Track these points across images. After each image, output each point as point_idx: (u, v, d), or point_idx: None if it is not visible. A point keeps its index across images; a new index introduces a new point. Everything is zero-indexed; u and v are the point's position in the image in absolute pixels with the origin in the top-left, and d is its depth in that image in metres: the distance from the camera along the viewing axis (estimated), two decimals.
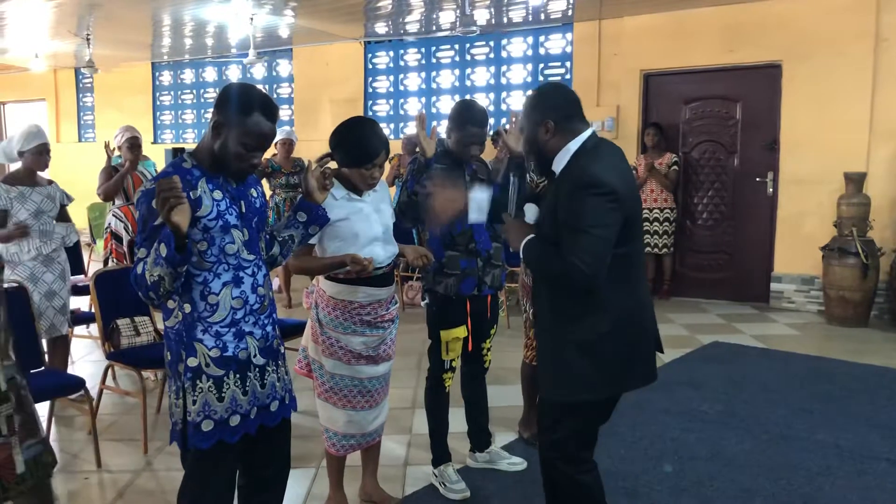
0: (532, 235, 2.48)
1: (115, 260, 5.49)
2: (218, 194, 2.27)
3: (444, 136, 3.43)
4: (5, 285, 2.75)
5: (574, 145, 2.42)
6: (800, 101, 7.06)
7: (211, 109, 2.33)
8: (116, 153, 5.75)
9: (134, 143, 5.56)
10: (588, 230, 2.26)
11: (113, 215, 5.58)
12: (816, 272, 6.93)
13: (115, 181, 5.44)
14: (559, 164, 2.44)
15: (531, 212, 2.60)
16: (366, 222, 2.96)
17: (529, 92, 2.62)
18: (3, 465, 2.37)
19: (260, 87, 10.26)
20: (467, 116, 3.26)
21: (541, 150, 2.48)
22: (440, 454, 3.50)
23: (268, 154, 7.25)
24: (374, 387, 3.08)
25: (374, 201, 3.04)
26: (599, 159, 2.36)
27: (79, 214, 6.69)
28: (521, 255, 2.51)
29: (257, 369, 2.35)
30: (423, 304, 3.48)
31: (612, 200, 2.27)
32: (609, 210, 2.27)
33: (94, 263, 7.24)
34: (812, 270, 7.01)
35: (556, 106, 2.45)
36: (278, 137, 7.37)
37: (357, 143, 2.87)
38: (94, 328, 5.64)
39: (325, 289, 3.02)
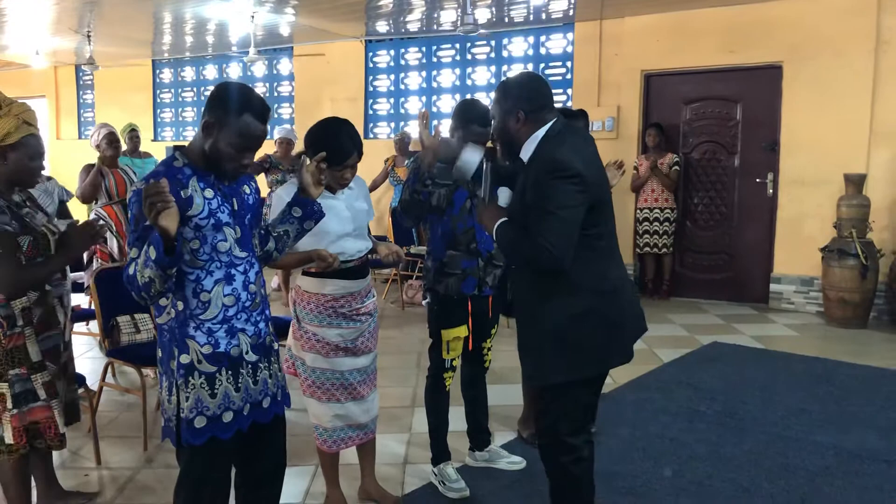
0: (504, 219, 2.54)
1: (99, 260, 5.38)
2: (209, 193, 2.27)
3: (446, 134, 3.44)
4: None
5: (540, 133, 2.50)
6: (800, 102, 7.07)
7: None
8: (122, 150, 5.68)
9: (112, 139, 5.49)
10: (554, 212, 2.33)
11: (95, 214, 5.48)
12: (816, 273, 6.94)
13: (89, 182, 5.33)
14: (527, 151, 2.52)
15: (504, 195, 2.66)
16: (337, 219, 3.00)
17: (502, 80, 2.67)
18: (46, 425, 2.91)
19: (260, 85, 10.36)
20: (471, 115, 3.28)
21: (510, 138, 2.57)
22: (440, 453, 3.51)
23: (269, 150, 7.35)
24: (355, 379, 3.10)
25: (348, 199, 3.10)
26: (564, 144, 2.44)
27: (80, 211, 6.69)
28: (494, 238, 2.58)
29: (249, 366, 2.35)
30: (424, 303, 3.50)
31: (576, 183, 2.34)
32: (574, 192, 2.34)
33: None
34: (811, 271, 7.02)
35: (527, 96, 2.52)
36: (277, 136, 7.43)
37: (329, 145, 2.89)
38: (94, 325, 5.64)
39: (300, 284, 3.10)
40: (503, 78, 8.75)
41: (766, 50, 7.19)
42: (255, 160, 7.50)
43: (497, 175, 2.74)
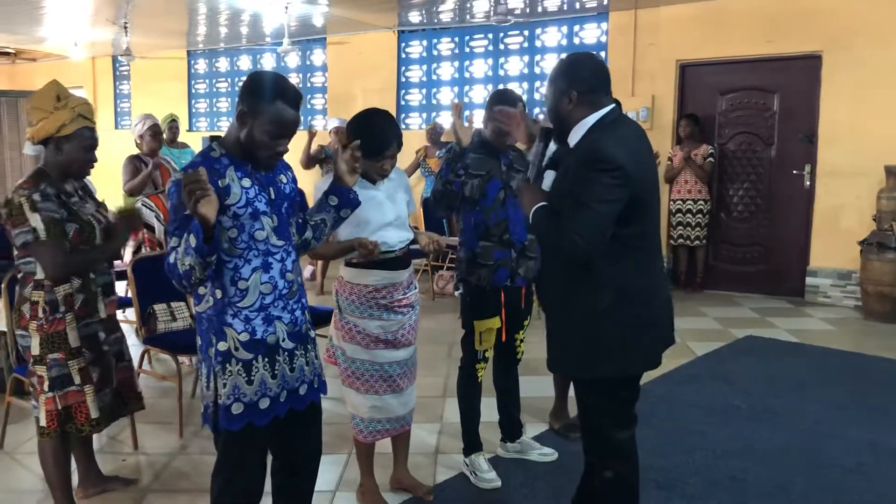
0: (542, 203, 2.46)
1: (147, 248, 5.52)
2: (247, 182, 2.30)
3: (479, 124, 3.43)
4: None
5: (591, 119, 2.40)
6: (839, 92, 6.93)
7: None
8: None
9: (157, 132, 5.62)
10: (589, 205, 2.25)
11: (142, 205, 5.60)
12: (854, 267, 6.82)
13: (141, 179, 5.48)
14: (575, 136, 2.42)
15: (549, 179, 2.57)
16: (377, 210, 3.00)
17: (559, 58, 2.57)
18: (77, 409, 2.93)
19: (294, 75, 10.41)
20: (504, 105, 3.26)
21: (561, 119, 2.47)
22: (471, 443, 3.52)
23: (324, 142, 7.40)
24: (394, 372, 3.10)
25: (388, 189, 3.09)
26: (611, 135, 2.34)
27: (118, 201, 6.78)
28: (529, 220, 2.51)
29: (286, 353, 2.38)
30: (456, 293, 3.50)
31: (616, 177, 2.24)
32: (612, 186, 2.25)
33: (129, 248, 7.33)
34: (849, 265, 6.90)
35: (581, 77, 2.42)
36: (332, 126, 7.48)
37: (369, 136, 2.89)
38: (130, 313, 5.73)
39: (342, 274, 3.09)
40: (536, 68, 8.74)
41: (805, 39, 7.05)
42: (311, 154, 7.54)
43: (550, 157, 2.66)
